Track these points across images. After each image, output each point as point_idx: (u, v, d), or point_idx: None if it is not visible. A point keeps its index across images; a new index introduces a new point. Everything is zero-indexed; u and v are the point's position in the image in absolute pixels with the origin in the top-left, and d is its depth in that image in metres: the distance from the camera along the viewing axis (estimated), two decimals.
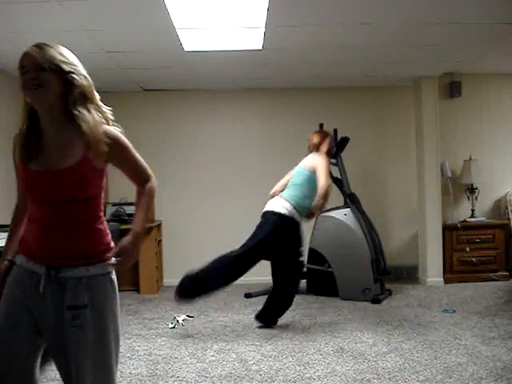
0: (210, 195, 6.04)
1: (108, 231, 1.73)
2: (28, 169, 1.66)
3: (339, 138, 5.32)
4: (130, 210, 5.69)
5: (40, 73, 1.60)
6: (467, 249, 5.65)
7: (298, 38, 4.15)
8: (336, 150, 5.11)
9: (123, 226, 4.72)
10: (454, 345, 3.57)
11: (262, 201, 6.11)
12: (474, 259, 5.63)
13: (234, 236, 6.11)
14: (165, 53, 4.46)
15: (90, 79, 1.69)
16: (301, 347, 3.58)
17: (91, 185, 1.65)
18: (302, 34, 4.02)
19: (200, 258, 6.09)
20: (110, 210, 5.67)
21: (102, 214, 1.72)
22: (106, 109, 1.74)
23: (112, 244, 1.72)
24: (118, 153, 1.67)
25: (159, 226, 5.89)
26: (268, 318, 4.15)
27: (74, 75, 1.63)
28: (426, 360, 3.29)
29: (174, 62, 4.76)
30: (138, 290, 5.45)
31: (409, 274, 6.00)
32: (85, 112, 1.64)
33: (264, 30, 3.85)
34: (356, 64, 5.03)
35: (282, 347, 3.63)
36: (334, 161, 5.13)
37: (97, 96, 1.72)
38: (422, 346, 3.57)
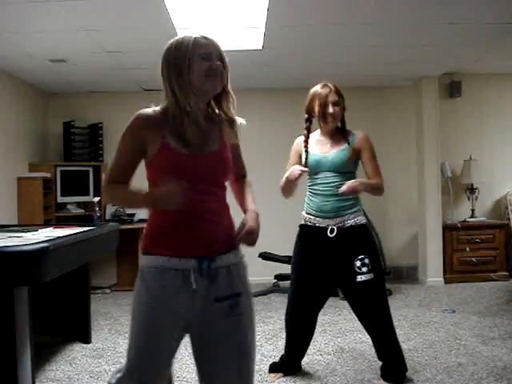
0: None
1: None
2: (177, 151, 1.60)
3: None
4: (130, 210, 5.70)
5: (222, 64, 1.69)
6: (467, 249, 5.65)
7: (298, 38, 4.15)
8: None
9: (123, 226, 4.72)
10: (454, 345, 3.57)
11: (261, 200, 6.12)
12: (474, 259, 5.63)
13: None
14: None
15: None
16: None
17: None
18: (301, 33, 4.02)
19: None
20: (110, 210, 5.67)
21: None
22: None
23: None
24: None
25: None
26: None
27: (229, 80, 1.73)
28: (426, 360, 3.29)
29: None
30: None
31: (409, 274, 6.00)
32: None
33: (264, 30, 3.85)
34: (356, 64, 5.03)
35: (282, 347, 3.61)
36: None
37: None
38: (422, 346, 3.57)
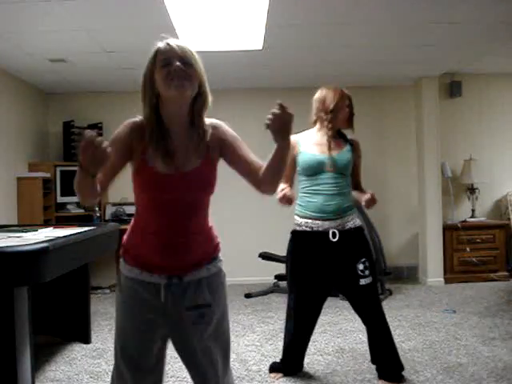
0: None
1: None
2: (155, 170, 1.58)
3: None
4: (130, 210, 5.69)
5: (188, 66, 1.58)
6: (467, 249, 5.65)
7: (298, 38, 4.14)
8: None
9: (123, 226, 4.70)
10: (454, 345, 3.57)
11: (261, 200, 6.13)
12: (474, 259, 5.63)
13: (233, 236, 6.14)
14: None
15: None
16: None
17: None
18: (302, 34, 4.02)
19: None
20: (110, 210, 5.67)
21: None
22: None
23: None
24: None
25: None
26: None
27: (206, 84, 1.64)
28: (426, 360, 3.29)
29: None
30: None
31: (409, 274, 6.00)
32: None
33: (264, 30, 3.85)
34: (356, 64, 5.03)
35: (281, 347, 3.62)
36: None
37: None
38: (422, 346, 3.57)
